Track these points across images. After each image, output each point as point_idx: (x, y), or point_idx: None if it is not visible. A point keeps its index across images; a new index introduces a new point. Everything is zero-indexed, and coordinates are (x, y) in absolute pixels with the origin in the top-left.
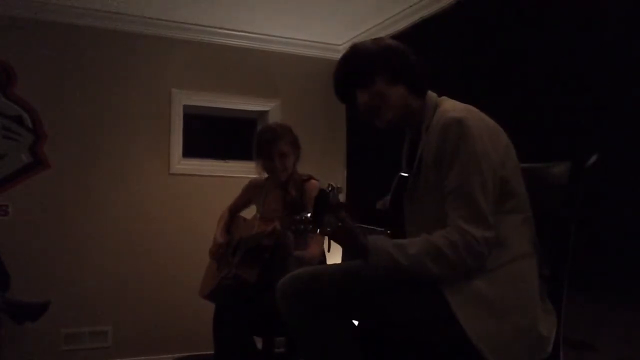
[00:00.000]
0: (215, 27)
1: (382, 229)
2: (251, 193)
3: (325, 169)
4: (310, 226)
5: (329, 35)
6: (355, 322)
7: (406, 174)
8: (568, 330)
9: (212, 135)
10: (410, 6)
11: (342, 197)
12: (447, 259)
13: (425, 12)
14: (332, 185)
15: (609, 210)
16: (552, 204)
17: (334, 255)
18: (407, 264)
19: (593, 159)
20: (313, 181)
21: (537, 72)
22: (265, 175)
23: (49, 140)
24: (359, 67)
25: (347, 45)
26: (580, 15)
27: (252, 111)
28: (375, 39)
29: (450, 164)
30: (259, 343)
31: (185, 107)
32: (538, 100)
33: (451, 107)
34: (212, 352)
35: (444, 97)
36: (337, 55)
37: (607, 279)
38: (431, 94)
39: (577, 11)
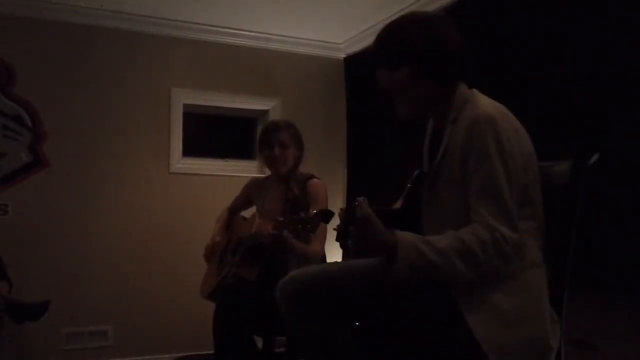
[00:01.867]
0: (216, 26)
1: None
2: (251, 191)
3: (325, 168)
4: (309, 226)
5: (330, 34)
6: (356, 323)
7: (425, 170)
8: (568, 330)
9: (212, 134)
10: (411, 4)
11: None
12: (475, 257)
13: (427, 9)
14: (358, 200)
15: (609, 210)
16: (552, 203)
17: (335, 255)
18: (436, 260)
19: (594, 158)
20: (315, 180)
21: (538, 71)
22: (267, 171)
23: (49, 139)
24: (391, 48)
25: (347, 44)
26: (581, 15)
27: (252, 110)
28: (426, 18)
29: (478, 161)
30: (259, 342)
31: (185, 106)
32: (539, 99)
33: (483, 102)
34: (212, 351)
35: (474, 90)
36: (338, 54)
37: (607, 279)
38: (462, 86)
39: (578, 10)
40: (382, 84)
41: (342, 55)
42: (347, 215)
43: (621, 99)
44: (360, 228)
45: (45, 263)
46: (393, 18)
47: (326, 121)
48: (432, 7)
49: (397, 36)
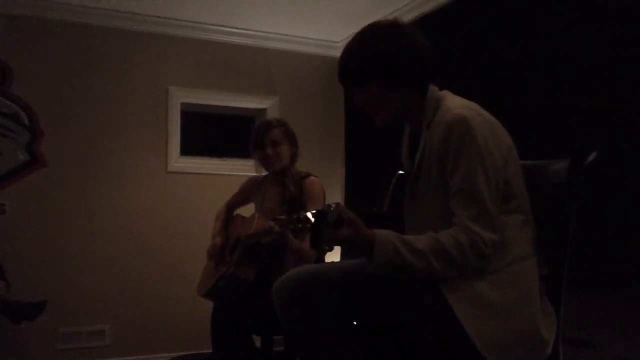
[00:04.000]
0: (213, 24)
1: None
2: (249, 191)
3: (323, 167)
4: (308, 225)
5: (327, 32)
6: (353, 322)
7: (405, 172)
8: (567, 329)
9: (209, 133)
10: (409, 3)
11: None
12: (452, 258)
13: (425, 9)
14: (331, 205)
15: (609, 209)
16: (550, 201)
17: (333, 254)
18: (412, 259)
19: (592, 156)
20: (312, 178)
21: (536, 70)
22: (263, 171)
23: (46, 139)
24: (354, 68)
25: (344, 43)
26: (580, 14)
27: (250, 109)
28: (385, 27)
29: (455, 163)
30: (257, 342)
31: (182, 104)
32: (537, 98)
33: (455, 104)
34: (211, 351)
35: (445, 92)
36: (335, 53)
37: (606, 278)
38: (433, 89)
39: (577, 10)
40: (355, 101)
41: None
42: (317, 219)
43: (621, 98)
44: (339, 230)
45: (42, 262)
46: (391, 16)
47: (324, 120)
48: (430, 6)
49: (358, 54)
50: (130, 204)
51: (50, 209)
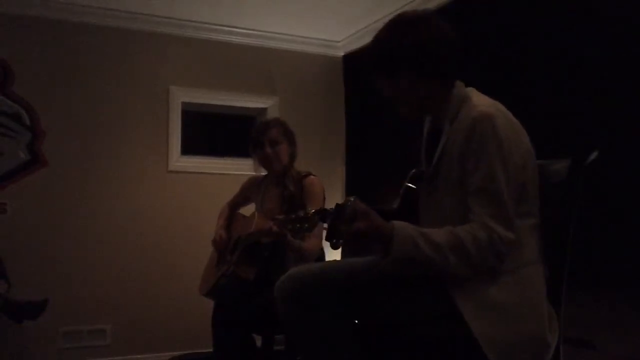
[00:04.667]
0: (214, 24)
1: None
2: (249, 191)
3: (323, 166)
4: (306, 225)
5: (328, 32)
6: (355, 321)
7: (422, 169)
8: (568, 329)
9: (210, 132)
10: (409, 3)
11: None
12: (469, 254)
13: (425, 8)
14: (349, 200)
15: (609, 209)
16: (550, 201)
17: (334, 253)
18: (430, 254)
19: (592, 156)
20: (312, 177)
21: (536, 70)
22: (262, 170)
23: (47, 138)
24: (385, 57)
25: (346, 42)
26: (580, 14)
27: (250, 108)
28: (417, 18)
29: (476, 161)
30: (258, 341)
31: (183, 104)
32: (537, 98)
33: (481, 101)
34: (211, 350)
35: (472, 89)
36: (337, 52)
37: (606, 278)
38: (459, 84)
39: (577, 10)
40: (383, 91)
41: (341, 53)
42: (335, 214)
43: (621, 98)
44: (354, 223)
45: (43, 262)
46: (391, 16)
47: (325, 119)
48: (430, 6)
49: (391, 43)
50: (131, 203)
51: (51, 209)
